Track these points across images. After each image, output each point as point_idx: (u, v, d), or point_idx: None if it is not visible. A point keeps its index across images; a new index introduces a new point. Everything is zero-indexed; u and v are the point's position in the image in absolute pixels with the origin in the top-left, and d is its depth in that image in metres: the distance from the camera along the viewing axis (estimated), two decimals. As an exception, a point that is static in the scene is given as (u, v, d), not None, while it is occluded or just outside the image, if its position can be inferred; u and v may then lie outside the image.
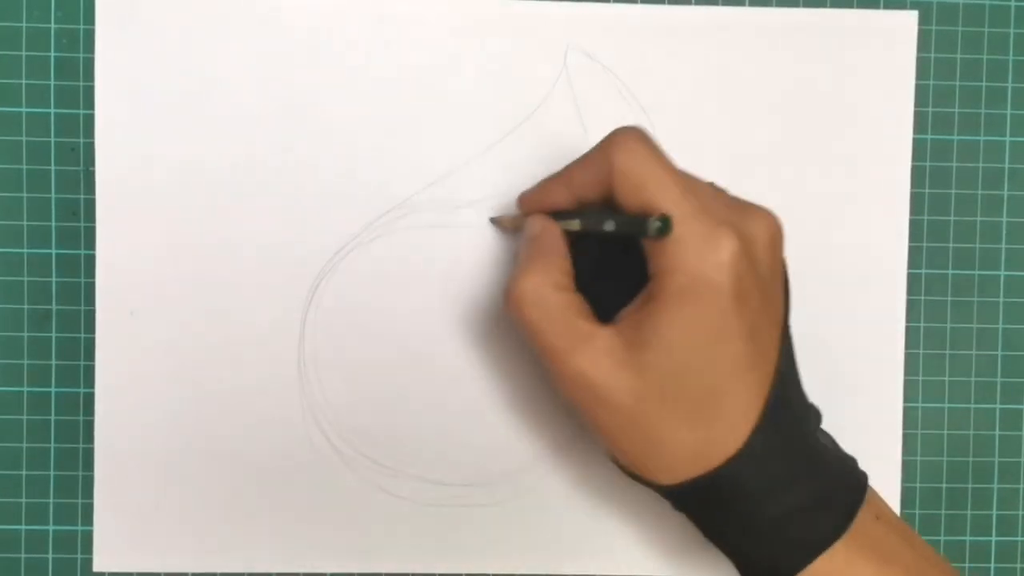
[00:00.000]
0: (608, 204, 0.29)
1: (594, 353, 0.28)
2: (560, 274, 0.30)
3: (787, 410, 0.29)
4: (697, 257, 0.27)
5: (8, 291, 0.36)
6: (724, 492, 0.28)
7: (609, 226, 0.29)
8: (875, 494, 0.30)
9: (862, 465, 0.31)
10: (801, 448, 0.29)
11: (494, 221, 0.35)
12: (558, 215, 0.31)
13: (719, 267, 0.27)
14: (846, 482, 0.30)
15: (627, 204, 0.28)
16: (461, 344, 0.36)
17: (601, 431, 0.29)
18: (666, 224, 0.27)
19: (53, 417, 0.36)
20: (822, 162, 0.36)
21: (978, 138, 0.37)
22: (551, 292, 0.29)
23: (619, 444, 0.29)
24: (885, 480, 0.37)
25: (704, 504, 0.29)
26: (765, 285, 0.28)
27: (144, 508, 0.35)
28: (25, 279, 0.36)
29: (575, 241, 0.31)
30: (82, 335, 0.36)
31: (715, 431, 0.28)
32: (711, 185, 0.30)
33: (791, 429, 0.29)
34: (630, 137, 0.29)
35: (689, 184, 0.28)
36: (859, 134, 0.36)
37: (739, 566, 0.30)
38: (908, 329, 0.37)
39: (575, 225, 0.30)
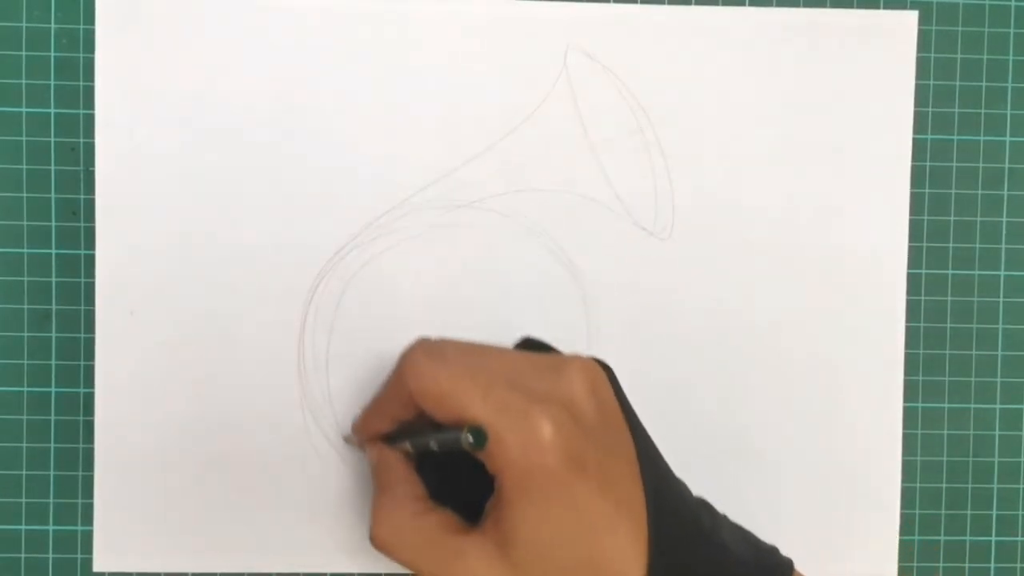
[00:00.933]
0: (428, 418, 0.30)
1: (470, 566, 0.28)
2: (411, 500, 0.30)
3: (673, 535, 0.28)
4: (521, 450, 0.27)
5: (8, 291, 0.36)
6: None
7: (434, 446, 0.29)
8: None
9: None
10: (704, 557, 0.29)
11: (346, 439, 0.35)
12: (390, 438, 0.32)
13: (544, 451, 0.27)
14: (768, 572, 0.30)
15: (440, 420, 0.28)
16: (461, 344, 0.36)
17: None
18: (479, 436, 0.27)
19: (53, 417, 0.36)
20: (822, 162, 0.36)
21: (978, 138, 0.37)
22: (410, 523, 0.29)
23: None
24: (885, 480, 0.37)
25: None
26: (601, 434, 0.28)
27: (144, 508, 0.35)
28: (25, 279, 0.36)
29: (416, 455, 0.31)
30: (82, 335, 0.36)
31: None
32: (522, 349, 0.30)
33: (686, 548, 0.29)
34: (416, 356, 0.29)
35: (486, 379, 0.28)
36: (859, 134, 0.36)
37: None
38: (908, 329, 0.37)
39: (407, 447, 0.31)
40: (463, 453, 0.28)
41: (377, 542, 0.30)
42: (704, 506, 0.30)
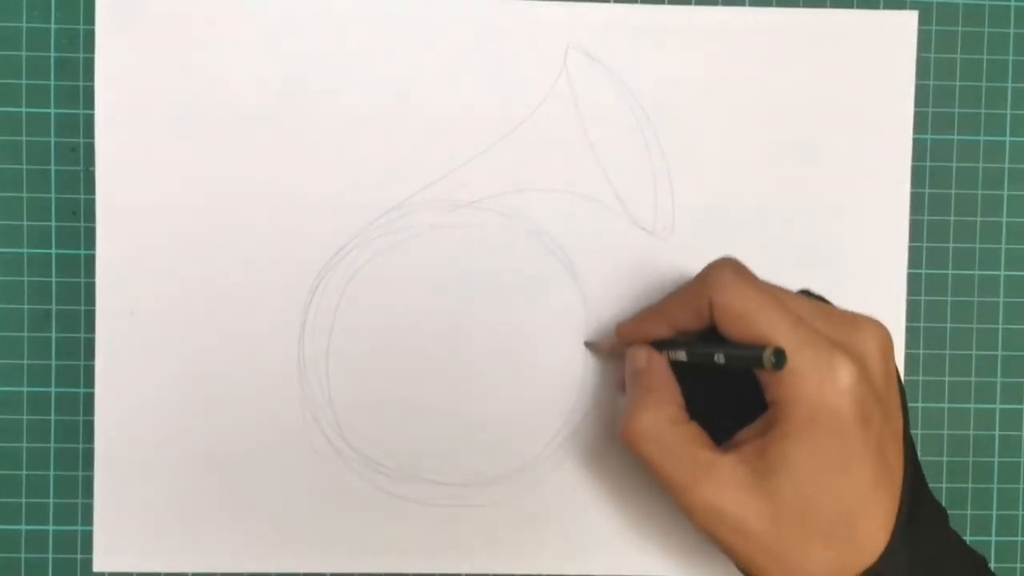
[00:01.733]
0: (707, 333, 0.30)
1: (720, 482, 0.28)
2: (674, 407, 0.30)
3: (919, 520, 0.29)
4: (817, 387, 0.27)
5: (8, 291, 0.36)
6: None
7: (720, 359, 0.29)
8: None
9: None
10: (936, 551, 0.29)
11: (589, 345, 0.36)
12: (660, 344, 0.32)
13: (840, 395, 0.27)
14: None
15: (733, 337, 0.29)
16: (461, 344, 0.36)
17: (735, 555, 0.29)
18: (781, 358, 0.27)
19: (53, 417, 0.36)
20: (822, 162, 0.36)
21: (978, 138, 0.37)
22: (668, 427, 0.30)
23: (754, 564, 0.29)
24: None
25: None
26: (884, 400, 0.29)
27: (144, 508, 0.35)
28: (25, 279, 0.36)
29: (675, 367, 0.31)
30: (82, 335, 0.36)
31: (849, 549, 0.28)
32: (808, 298, 0.30)
33: (925, 539, 0.29)
34: (725, 271, 0.29)
35: (794, 310, 0.28)
36: (859, 134, 0.36)
37: None
38: (908, 329, 0.37)
39: (682, 356, 0.31)
40: (727, 378, 0.28)
41: (629, 435, 0.30)
42: (941, 509, 0.31)
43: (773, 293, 0.29)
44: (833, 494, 0.28)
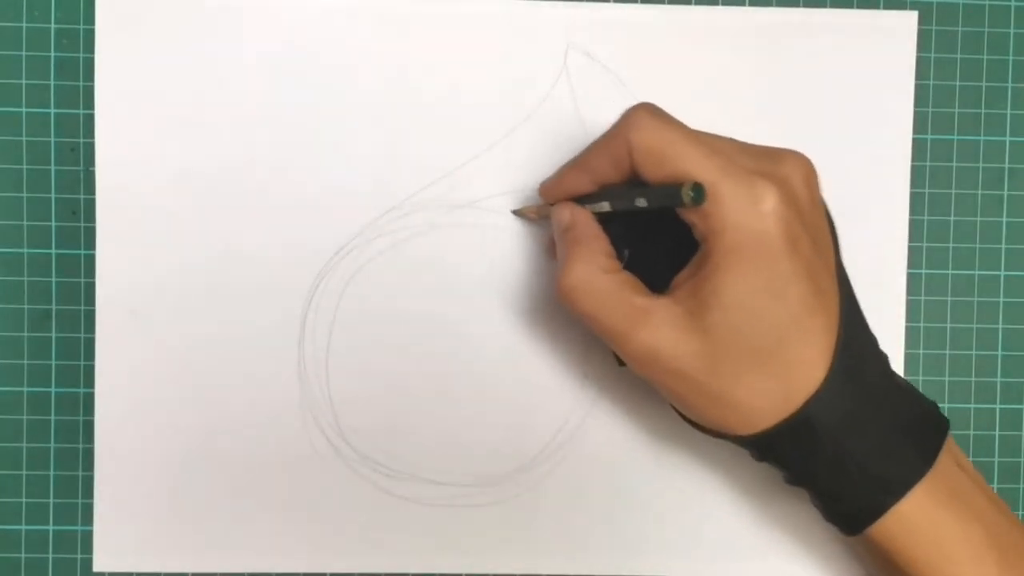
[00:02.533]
0: (629, 182, 0.30)
1: (656, 326, 0.28)
2: (604, 257, 0.30)
3: (857, 347, 0.29)
4: (741, 213, 0.27)
5: (8, 291, 0.36)
6: (803, 435, 0.28)
7: (641, 203, 0.29)
8: (954, 444, 0.30)
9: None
10: (878, 384, 0.29)
11: (517, 213, 0.36)
12: (582, 199, 0.32)
13: (764, 217, 0.27)
14: (927, 423, 0.30)
15: (653, 178, 0.28)
16: (461, 343, 0.36)
17: (676, 397, 0.29)
18: (699, 191, 0.27)
19: (53, 417, 0.36)
20: (822, 162, 0.36)
21: (978, 138, 0.37)
22: (600, 277, 0.29)
23: (696, 406, 0.29)
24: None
25: (784, 450, 0.29)
26: (811, 227, 0.28)
27: (144, 508, 0.35)
28: (25, 279, 0.36)
29: (603, 222, 0.31)
30: (82, 335, 0.36)
31: (789, 378, 0.28)
32: (731, 140, 0.30)
33: (865, 365, 0.29)
34: (643, 113, 0.29)
35: (712, 143, 0.28)
36: (859, 134, 0.36)
37: (821, 508, 0.30)
38: (908, 329, 0.37)
39: (605, 207, 0.31)
40: (653, 221, 0.28)
41: (564, 291, 0.30)
42: (881, 352, 0.30)
43: (691, 131, 0.29)
44: (767, 320, 0.27)
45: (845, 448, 0.28)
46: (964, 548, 0.29)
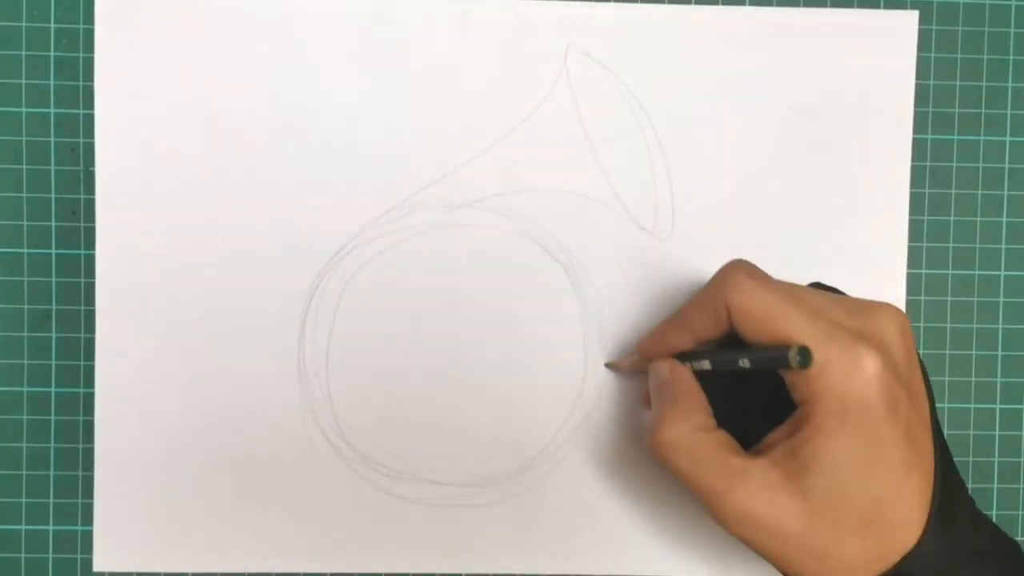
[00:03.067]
0: (727, 339, 0.30)
1: (754, 487, 0.28)
2: (702, 415, 0.30)
3: (949, 499, 0.29)
4: (843, 380, 0.27)
5: (8, 291, 0.36)
6: None
7: (745, 363, 0.29)
8: None
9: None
10: (968, 533, 0.29)
11: (610, 366, 0.36)
12: (682, 356, 0.32)
13: (867, 385, 0.27)
14: (1014, 565, 0.30)
15: (754, 339, 0.29)
16: (460, 344, 0.36)
17: (772, 557, 0.29)
18: (806, 356, 0.27)
19: (53, 417, 0.36)
20: (822, 162, 0.36)
21: (978, 138, 0.37)
22: (697, 435, 0.30)
23: (790, 563, 0.29)
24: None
25: None
26: (908, 384, 0.29)
27: (144, 508, 0.35)
28: (25, 279, 0.36)
29: (698, 377, 0.31)
30: (82, 335, 0.36)
31: (886, 536, 0.28)
32: (821, 291, 0.30)
33: (956, 516, 0.29)
34: (739, 274, 0.29)
35: (810, 305, 0.28)
36: (859, 134, 0.36)
37: None
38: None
39: (706, 365, 0.31)
40: (751, 384, 0.28)
41: (659, 446, 0.30)
42: (965, 487, 0.31)
43: (789, 290, 0.29)
44: (866, 484, 0.28)
45: None
46: None
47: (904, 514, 0.28)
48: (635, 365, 0.34)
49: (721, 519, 0.29)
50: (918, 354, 0.30)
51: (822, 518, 0.28)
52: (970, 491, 0.30)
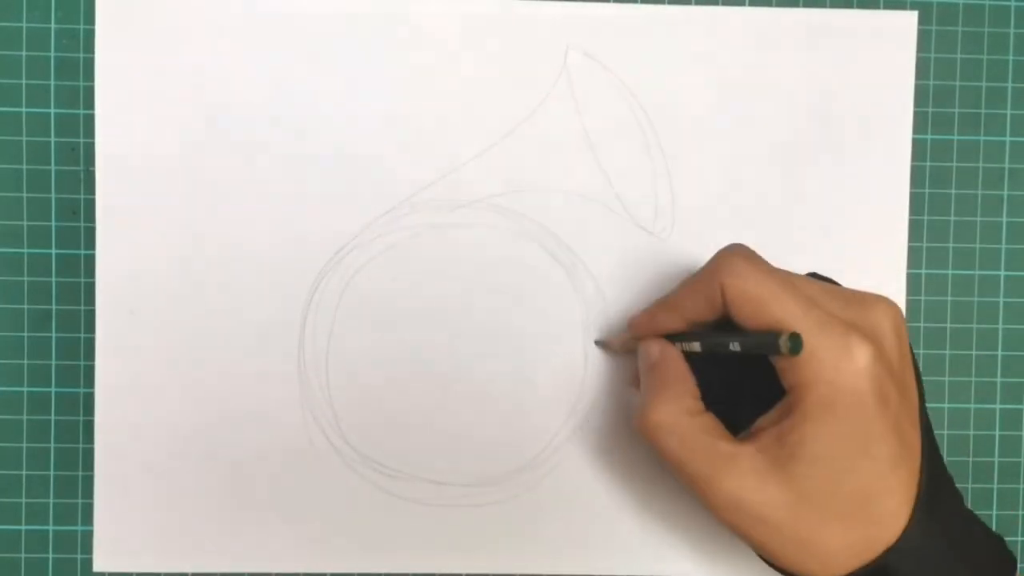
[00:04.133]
0: (719, 323, 0.30)
1: (740, 473, 0.28)
2: (691, 398, 0.30)
3: (935, 494, 0.29)
4: (834, 369, 0.27)
5: (8, 291, 0.36)
6: None
7: (735, 347, 0.29)
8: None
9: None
10: (954, 529, 0.29)
11: (600, 344, 0.36)
12: (672, 336, 0.32)
13: (857, 375, 0.27)
14: (998, 563, 0.30)
15: (747, 324, 0.29)
16: (461, 344, 0.36)
17: (756, 542, 0.29)
18: (797, 342, 0.27)
19: (53, 417, 0.36)
20: (822, 162, 0.36)
21: (978, 138, 0.37)
22: (685, 419, 0.29)
23: (776, 551, 0.29)
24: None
25: None
26: (900, 378, 0.29)
27: (144, 508, 0.35)
28: (25, 279, 0.36)
29: (688, 359, 0.31)
30: (82, 335, 0.36)
31: (871, 528, 0.28)
32: (817, 280, 0.30)
33: (942, 511, 0.29)
34: (736, 258, 0.29)
35: (805, 292, 0.28)
36: (859, 134, 0.36)
37: None
38: (908, 329, 0.37)
39: (696, 347, 0.31)
40: (741, 368, 0.28)
41: (647, 428, 0.30)
42: (955, 488, 0.31)
43: (785, 277, 0.29)
44: (853, 475, 0.28)
45: None
46: None
47: (889, 507, 0.28)
48: (625, 344, 0.34)
49: (711, 506, 0.29)
50: (911, 350, 0.30)
51: (807, 507, 0.28)
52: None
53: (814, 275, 0.32)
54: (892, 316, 0.29)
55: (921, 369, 0.37)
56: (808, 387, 0.27)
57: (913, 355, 0.30)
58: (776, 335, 0.27)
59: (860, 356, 0.27)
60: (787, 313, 0.28)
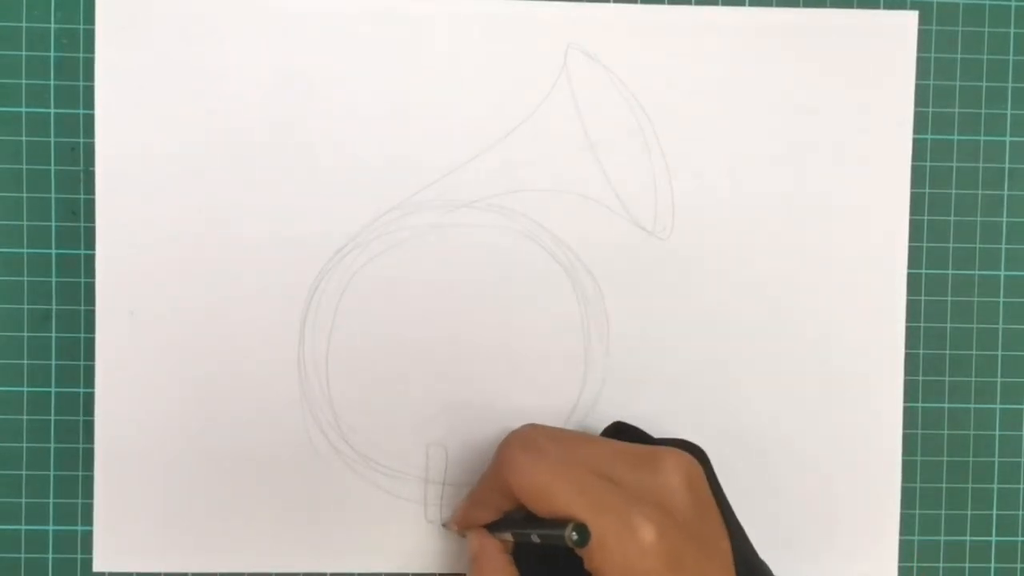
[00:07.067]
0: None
1: None
2: None
3: None
4: (621, 553, 0.27)
5: (8, 291, 0.36)
6: None
7: (535, 538, 0.29)
8: None
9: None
10: None
11: (446, 526, 0.36)
12: (492, 526, 0.32)
13: (644, 554, 0.27)
14: None
15: (543, 514, 0.29)
16: (460, 344, 0.36)
17: None
18: (583, 533, 0.27)
19: (53, 417, 0.36)
20: (822, 162, 0.36)
21: (978, 138, 0.37)
22: None
23: None
24: (885, 480, 0.37)
25: None
26: (696, 532, 0.28)
27: (144, 508, 0.35)
28: (25, 279, 0.36)
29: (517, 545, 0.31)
30: (82, 335, 0.36)
31: None
32: (608, 441, 0.30)
33: None
34: (513, 451, 0.29)
35: (581, 477, 0.28)
36: (859, 134, 0.36)
37: None
38: (908, 329, 0.37)
39: (508, 537, 0.31)
40: (563, 547, 0.28)
41: None
42: None
43: (563, 459, 0.29)
44: None
45: None
46: None
47: None
48: (461, 532, 0.34)
49: None
50: (715, 489, 0.30)
51: None
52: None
53: (617, 426, 0.32)
54: (682, 468, 0.29)
55: (920, 374, 0.37)
56: (603, 573, 0.27)
57: (717, 491, 0.30)
58: (563, 527, 0.27)
59: (645, 534, 0.27)
60: (568, 501, 0.28)
